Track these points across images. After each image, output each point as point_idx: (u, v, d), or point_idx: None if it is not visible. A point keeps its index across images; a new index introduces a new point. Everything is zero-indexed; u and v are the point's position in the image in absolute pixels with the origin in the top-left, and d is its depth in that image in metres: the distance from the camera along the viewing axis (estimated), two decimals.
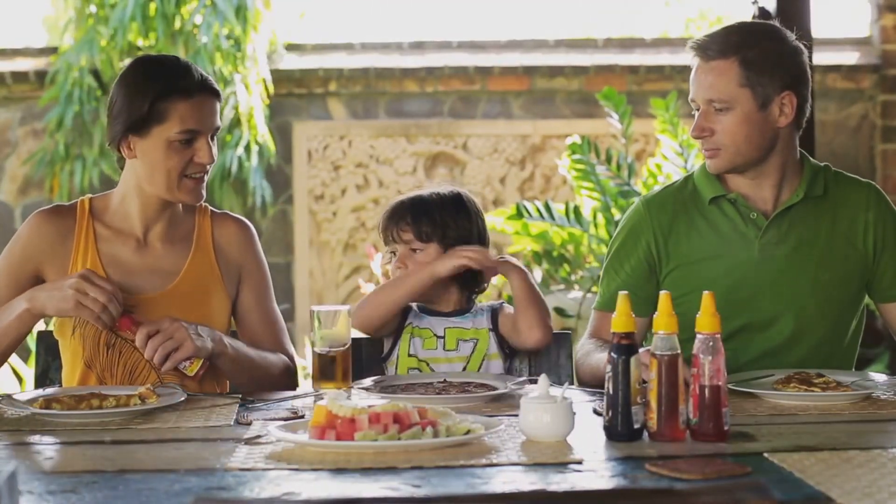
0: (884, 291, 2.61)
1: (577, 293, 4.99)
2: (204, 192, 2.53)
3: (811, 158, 2.62)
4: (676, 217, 2.59)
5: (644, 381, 1.90)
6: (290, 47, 6.41)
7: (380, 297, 2.61)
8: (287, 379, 2.61)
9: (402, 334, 2.63)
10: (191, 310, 2.51)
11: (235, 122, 5.95)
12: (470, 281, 2.64)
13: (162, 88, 2.45)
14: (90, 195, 2.64)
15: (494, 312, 2.64)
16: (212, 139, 2.49)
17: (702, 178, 2.59)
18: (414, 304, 2.66)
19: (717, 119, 2.47)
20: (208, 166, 2.50)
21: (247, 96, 5.94)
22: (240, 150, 5.94)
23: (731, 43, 2.46)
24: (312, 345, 2.37)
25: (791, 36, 2.53)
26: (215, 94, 2.50)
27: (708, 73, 2.46)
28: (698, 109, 2.50)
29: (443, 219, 2.61)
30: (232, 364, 2.49)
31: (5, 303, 2.49)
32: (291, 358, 2.65)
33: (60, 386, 2.57)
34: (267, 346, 2.61)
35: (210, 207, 2.67)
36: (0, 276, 2.53)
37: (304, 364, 5.08)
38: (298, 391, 2.50)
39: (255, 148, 6.00)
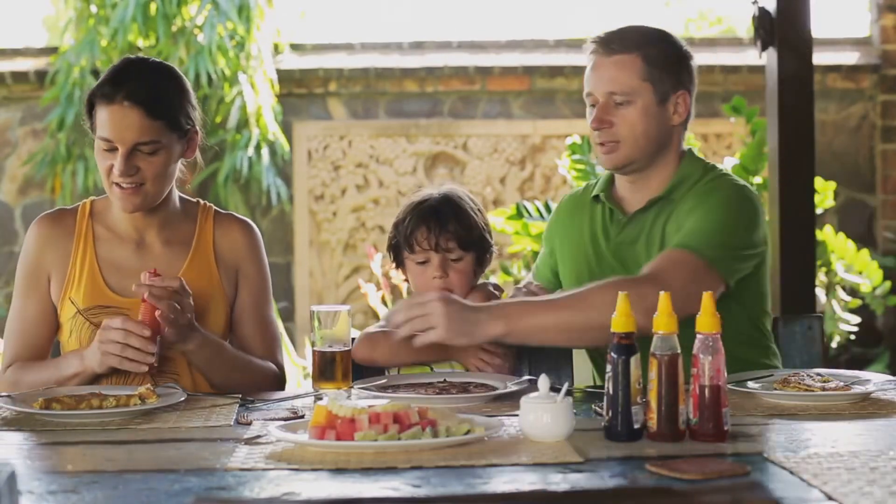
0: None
1: None
2: (138, 203, 2.45)
3: (697, 162, 2.60)
4: (571, 215, 2.72)
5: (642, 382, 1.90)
6: (291, 47, 6.41)
7: (386, 356, 2.53)
8: (273, 389, 2.55)
9: None
10: None
11: (243, 123, 5.95)
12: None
13: (94, 89, 2.45)
14: (93, 197, 2.63)
15: None
16: (131, 154, 2.39)
17: (601, 178, 2.70)
18: None
19: (617, 112, 2.52)
20: (133, 180, 2.41)
21: (254, 96, 5.93)
22: (250, 151, 5.94)
23: (633, 40, 2.54)
24: (312, 344, 2.36)
25: (683, 42, 2.61)
26: (145, 109, 2.39)
27: (610, 66, 2.53)
28: (593, 105, 2.55)
29: (478, 224, 2.57)
30: (207, 360, 2.45)
31: (34, 315, 2.51)
32: (281, 368, 2.61)
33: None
34: (257, 354, 2.57)
35: (215, 208, 2.64)
36: (21, 290, 2.54)
37: (305, 364, 5.08)
38: (299, 391, 2.50)
39: (265, 147, 6.00)
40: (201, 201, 2.65)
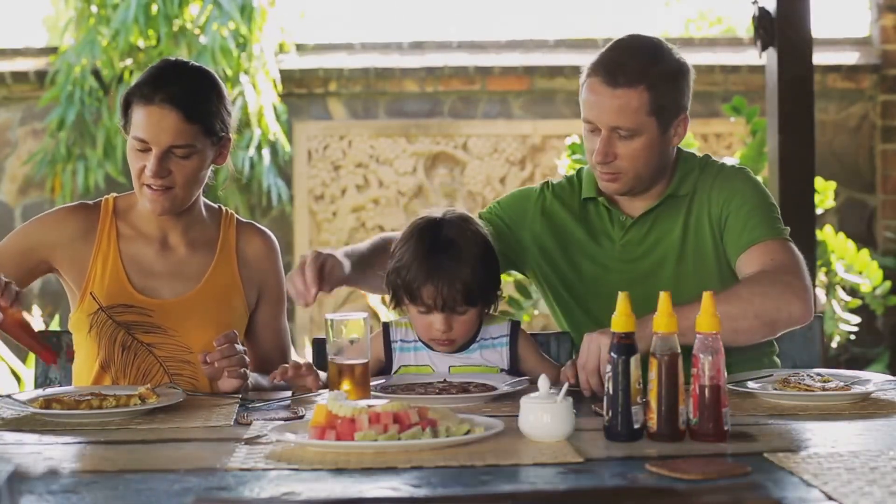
0: (734, 246, 2.53)
1: None
2: (167, 206, 2.45)
3: (691, 156, 2.62)
4: (555, 210, 2.67)
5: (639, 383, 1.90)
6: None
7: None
8: None
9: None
10: (210, 317, 2.50)
11: (245, 123, 5.95)
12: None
13: (133, 88, 2.45)
14: (115, 194, 2.62)
15: (513, 351, 2.49)
16: (165, 156, 2.39)
17: (586, 176, 2.67)
18: (411, 339, 2.51)
19: (620, 144, 2.47)
20: (164, 182, 2.41)
21: (255, 96, 5.93)
22: (251, 151, 5.94)
23: (638, 70, 2.44)
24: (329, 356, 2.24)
25: (678, 52, 2.53)
26: (182, 112, 2.39)
27: (616, 99, 2.44)
28: (593, 131, 2.49)
29: (491, 271, 2.42)
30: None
31: (6, 268, 2.43)
32: None
33: (61, 385, 2.57)
34: (274, 364, 2.60)
35: (236, 216, 2.65)
36: (7, 246, 2.52)
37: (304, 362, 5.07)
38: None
39: (266, 148, 6.00)
40: (223, 207, 2.66)
